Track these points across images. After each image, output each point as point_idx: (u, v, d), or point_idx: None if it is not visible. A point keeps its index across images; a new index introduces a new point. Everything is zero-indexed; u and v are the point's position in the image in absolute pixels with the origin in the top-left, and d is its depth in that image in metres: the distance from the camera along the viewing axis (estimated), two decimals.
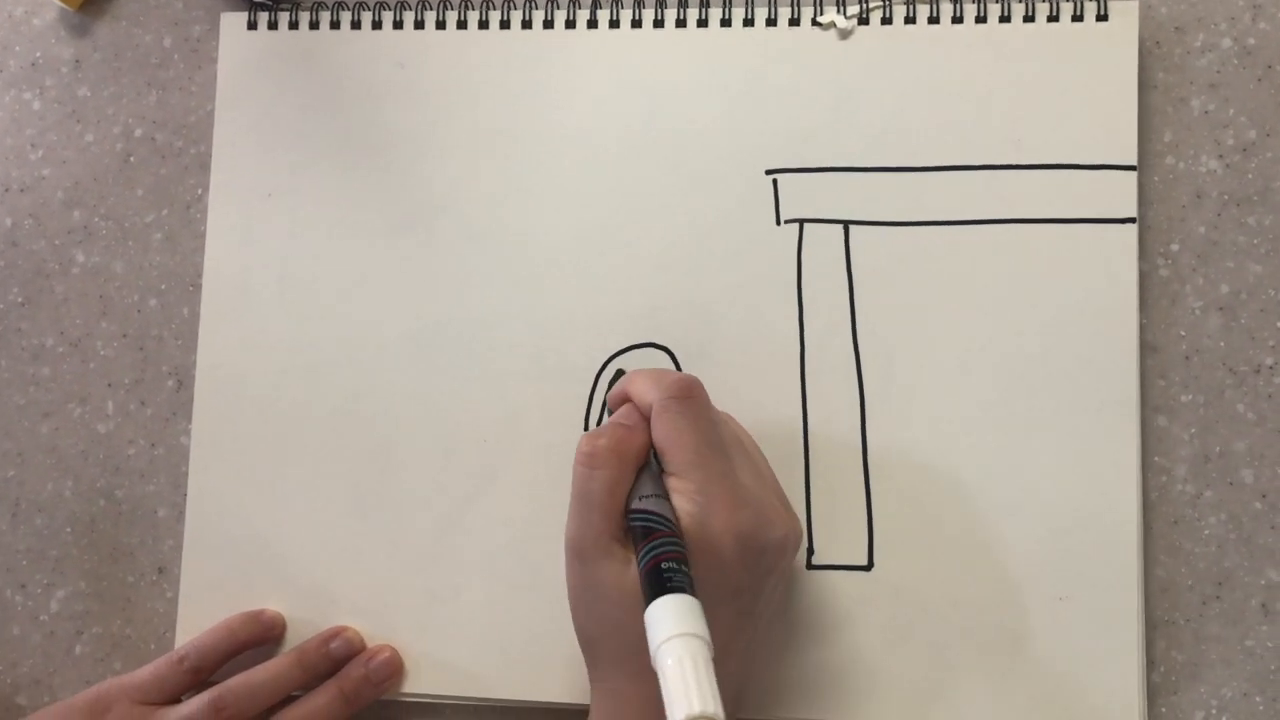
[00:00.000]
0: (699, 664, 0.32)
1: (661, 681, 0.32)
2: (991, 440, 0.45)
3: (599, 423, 0.47)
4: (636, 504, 0.38)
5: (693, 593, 0.34)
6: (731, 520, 0.37)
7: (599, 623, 0.38)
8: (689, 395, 0.39)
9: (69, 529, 0.50)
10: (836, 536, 0.45)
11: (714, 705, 0.32)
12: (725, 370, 0.46)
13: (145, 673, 0.45)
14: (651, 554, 0.35)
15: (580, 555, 0.38)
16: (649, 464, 0.39)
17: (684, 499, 0.37)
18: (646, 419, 0.39)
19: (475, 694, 0.46)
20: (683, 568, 0.35)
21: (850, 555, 0.45)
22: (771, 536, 0.38)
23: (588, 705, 0.39)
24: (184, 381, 0.50)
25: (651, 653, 0.32)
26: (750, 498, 0.38)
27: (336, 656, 0.46)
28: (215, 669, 0.46)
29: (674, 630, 0.33)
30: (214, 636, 0.46)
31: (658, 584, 0.34)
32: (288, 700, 0.45)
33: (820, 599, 0.45)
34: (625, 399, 0.41)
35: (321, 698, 0.45)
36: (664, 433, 0.38)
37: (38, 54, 0.53)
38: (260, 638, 0.46)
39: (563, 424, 0.47)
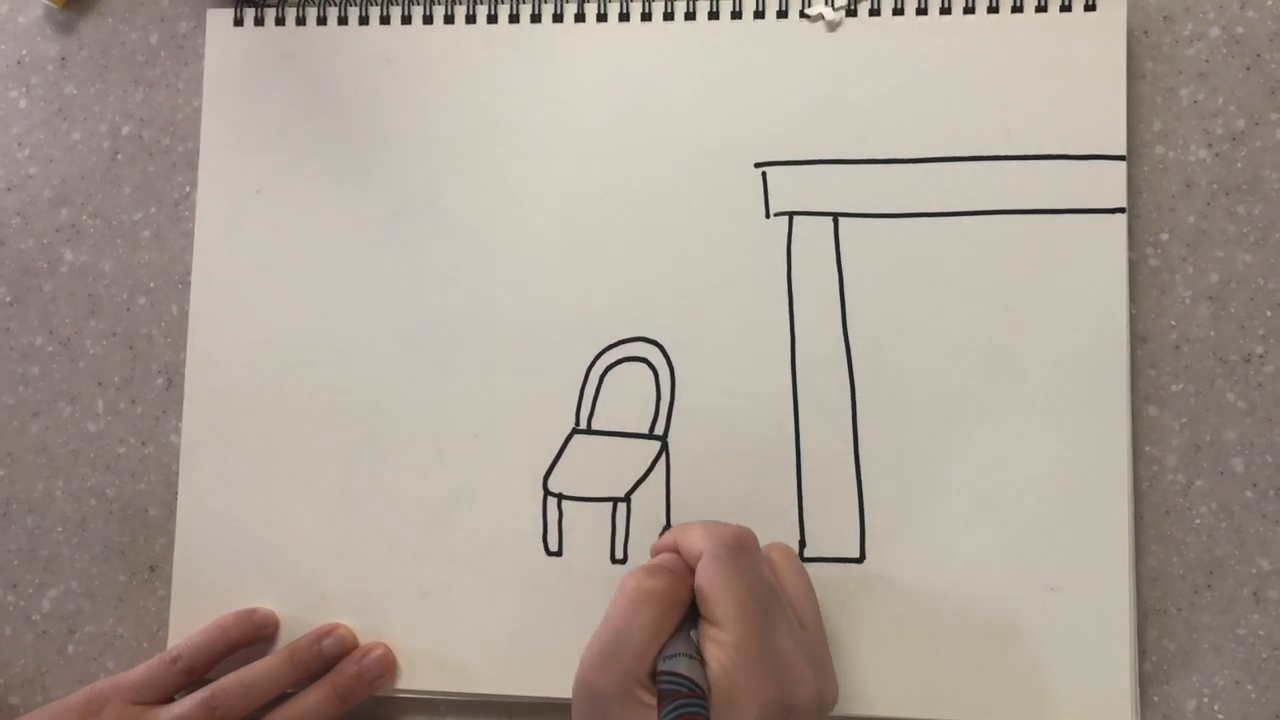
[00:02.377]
0: None
1: None
2: (982, 431, 0.45)
3: (589, 419, 0.46)
4: (667, 662, 0.37)
5: None
6: (759, 683, 0.36)
7: None
8: (742, 548, 0.39)
9: (60, 528, 0.50)
10: (828, 529, 0.45)
11: None
12: (715, 363, 0.46)
13: (138, 673, 0.45)
14: (675, 713, 0.35)
15: (598, 693, 0.36)
16: (685, 619, 0.39)
17: (718, 649, 0.37)
18: (691, 571, 0.39)
19: (468, 689, 0.46)
20: None
21: (842, 547, 0.45)
22: (797, 700, 0.37)
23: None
24: (174, 380, 0.50)
25: None
26: (781, 661, 0.37)
27: (329, 654, 0.46)
28: (208, 669, 0.46)
29: None
30: (206, 636, 0.46)
31: None
32: (281, 699, 0.45)
33: None
34: (673, 548, 0.40)
35: (314, 696, 0.45)
36: (711, 580, 0.38)
37: (23, 51, 0.52)
38: (253, 637, 0.46)
39: (553, 419, 0.47)
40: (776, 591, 0.39)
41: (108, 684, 0.45)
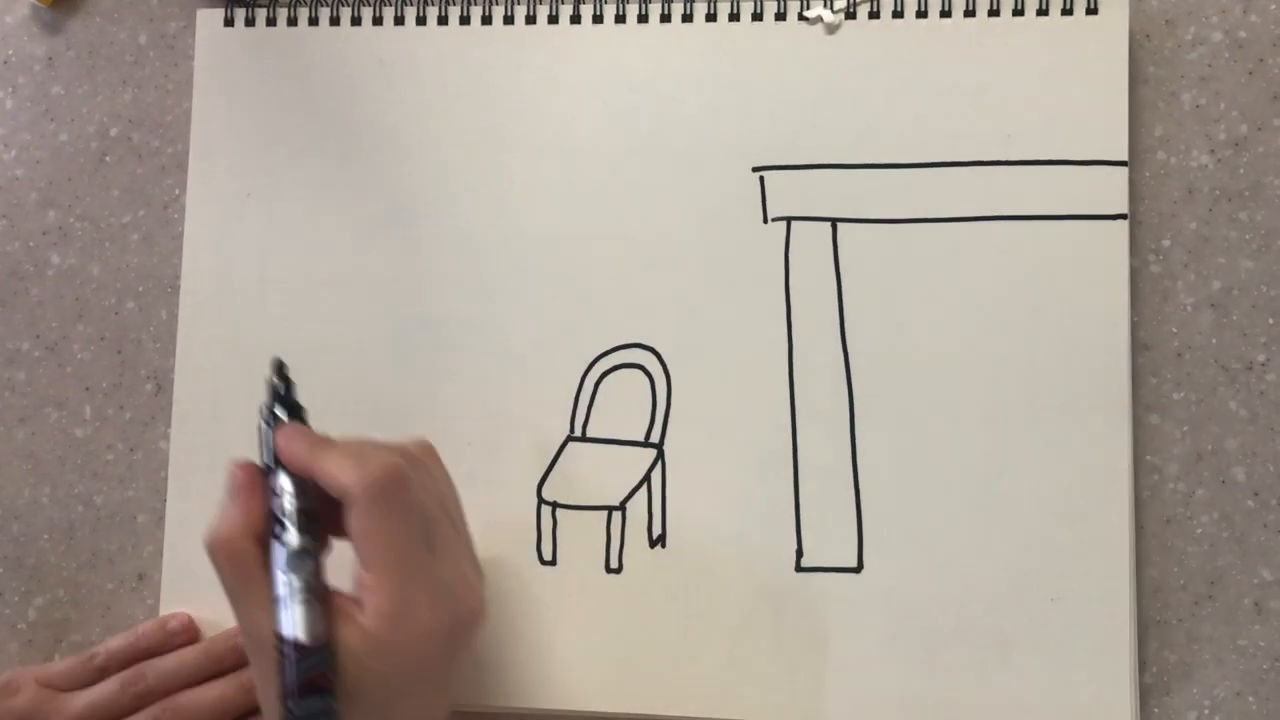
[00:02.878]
0: None
1: None
2: (981, 439, 0.44)
3: (584, 426, 0.46)
4: (281, 621, 0.35)
5: None
6: (432, 620, 0.36)
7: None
8: (395, 485, 0.36)
9: (47, 535, 0.49)
10: (826, 539, 0.44)
11: None
12: (712, 370, 0.45)
13: (56, 666, 0.46)
14: (295, 685, 0.34)
15: (259, 648, 0.36)
16: (291, 546, 0.36)
17: (378, 598, 0.35)
18: (324, 493, 0.37)
19: (461, 700, 0.45)
20: (323, 702, 0.34)
21: (840, 557, 0.44)
22: (463, 619, 0.37)
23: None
24: (163, 385, 0.49)
25: None
26: (447, 590, 0.37)
27: (243, 651, 0.45)
28: (121, 670, 0.46)
29: None
30: (123, 641, 0.46)
31: None
32: None
33: (810, 601, 0.44)
34: (306, 471, 0.37)
35: (220, 686, 0.45)
36: (365, 533, 0.36)
37: (10, 51, 0.52)
38: (164, 645, 0.46)
39: (547, 426, 0.46)
40: (432, 510, 0.38)
41: (24, 672, 0.46)
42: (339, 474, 0.36)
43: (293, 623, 0.35)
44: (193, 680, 0.45)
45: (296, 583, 0.36)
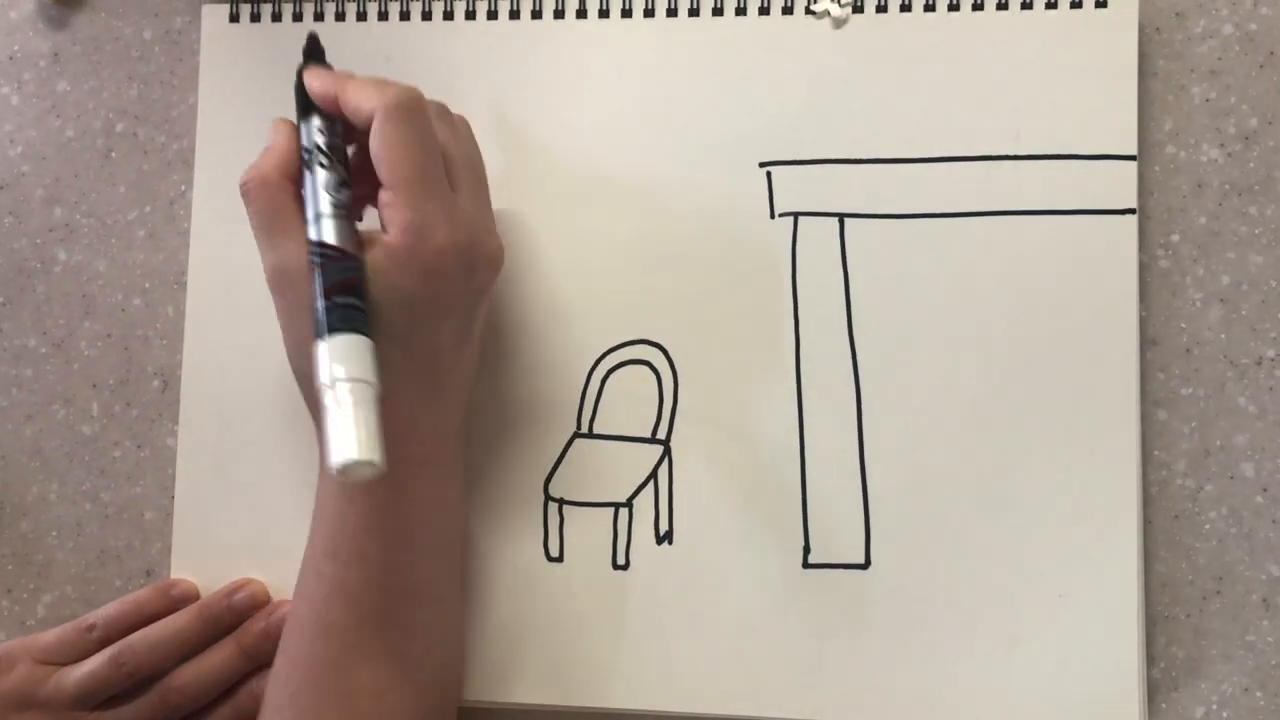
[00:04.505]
0: (365, 410, 0.33)
1: (323, 426, 0.33)
2: (989, 435, 0.44)
3: (591, 423, 0.46)
4: (314, 228, 0.37)
5: (365, 330, 0.35)
6: (450, 240, 0.37)
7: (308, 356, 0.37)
8: (416, 107, 0.38)
9: (55, 533, 0.49)
10: (833, 534, 0.44)
11: (377, 452, 0.32)
12: (719, 365, 0.45)
13: (50, 636, 0.45)
14: (329, 286, 0.35)
15: (287, 281, 0.38)
16: (323, 175, 0.38)
17: (399, 214, 0.37)
18: (354, 125, 0.39)
19: (467, 697, 0.45)
20: (359, 302, 0.35)
21: (847, 554, 0.44)
22: (483, 255, 0.39)
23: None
24: (169, 382, 0.49)
25: (317, 396, 0.33)
26: (466, 220, 0.38)
27: (239, 610, 0.45)
28: (120, 639, 0.45)
29: (342, 375, 0.33)
30: (121, 608, 0.46)
31: (336, 321, 0.35)
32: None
33: (817, 598, 0.44)
34: (333, 102, 0.39)
35: (219, 654, 0.45)
36: (385, 146, 0.37)
37: (15, 47, 0.52)
38: (168, 610, 0.46)
39: (554, 423, 0.46)
40: (453, 153, 0.40)
41: (17, 644, 0.45)
42: (362, 99, 0.38)
43: (328, 233, 0.37)
44: (187, 649, 0.45)
45: (329, 200, 0.37)
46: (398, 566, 0.39)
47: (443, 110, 0.42)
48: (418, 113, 0.38)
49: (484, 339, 0.46)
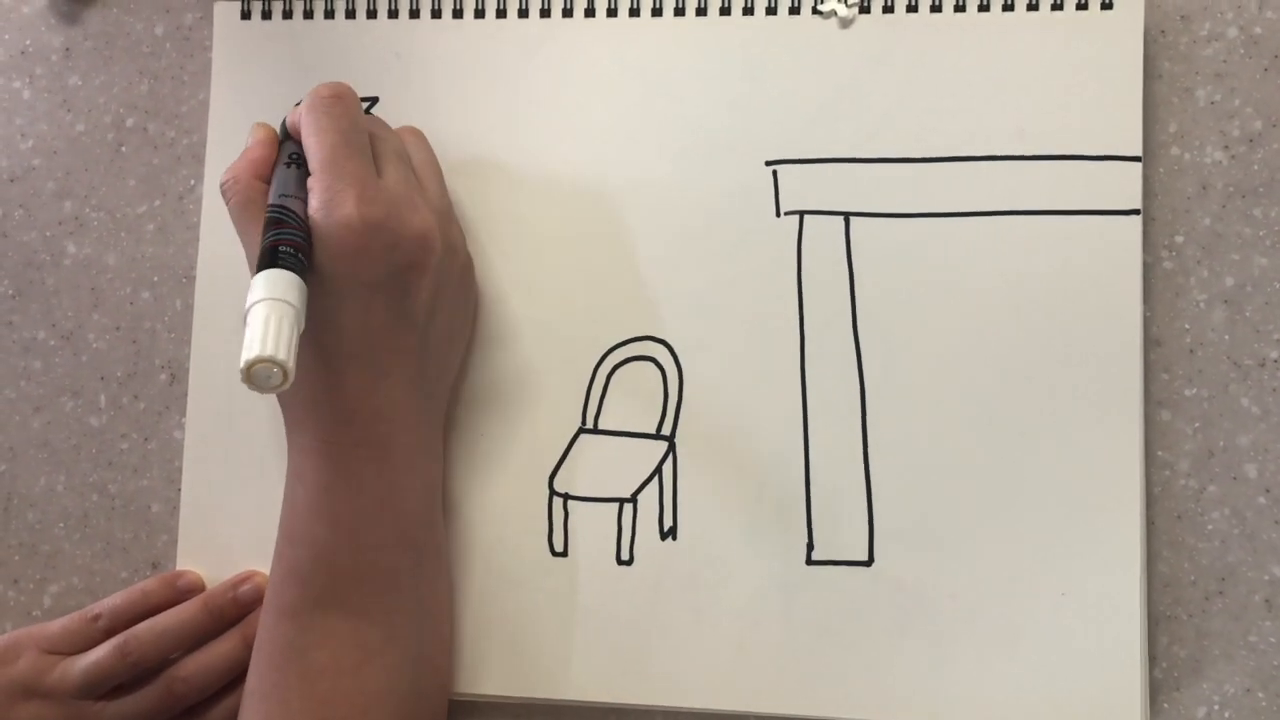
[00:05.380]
0: (277, 320, 0.35)
1: (244, 333, 0.35)
2: (993, 434, 0.44)
3: (596, 418, 0.46)
4: (276, 199, 0.40)
5: (301, 274, 0.37)
6: (358, 212, 0.39)
7: None
8: (336, 97, 0.41)
9: (62, 524, 0.50)
10: (836, 531, 0.45)
11: (282, 352, 0.34)
12: (724, 363, 0.46)
13: (56, 626, 0.46)
14: (271, 239, 0.38)
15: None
16: (290, 171, 0.41)
17: (315, 194, 0.39)
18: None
19: (472, 690, 0.45)
20: (298, 254, 0.37)
21: (851, 551, 0.45)
22: (406, 230, 0.40)
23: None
24: (177, 375, 0.49)
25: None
26: (385, 195, 0.40)
27: (244, 601, 0.46)
28: (126, 629, 0.45)
29: (261, 295, 0.35)
30: (127, 598, 0.46)
31: (267, 261, 0.37)
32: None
33: (820, 595, 0.44)
34: (294, 115, 0.43)
35: (223, 645, 0.45)
36: (306, 133, 0.41)
37: (27, 42, 0.52)
38: (173, 601, 0.46)
39: (559, 418, 0.46)
40: (400, 151, 0.43)
41: (24, 633, 0.46)
42: (304, 103, 0.42)
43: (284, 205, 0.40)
44: (192, 640, 0.45)
45: (294, 186, 0.40)
46: (345, 549, 0.40)
47: (403, 129, 0.46)
48: (335, 100, 0.41)
49: (480, 342, 0.46)
